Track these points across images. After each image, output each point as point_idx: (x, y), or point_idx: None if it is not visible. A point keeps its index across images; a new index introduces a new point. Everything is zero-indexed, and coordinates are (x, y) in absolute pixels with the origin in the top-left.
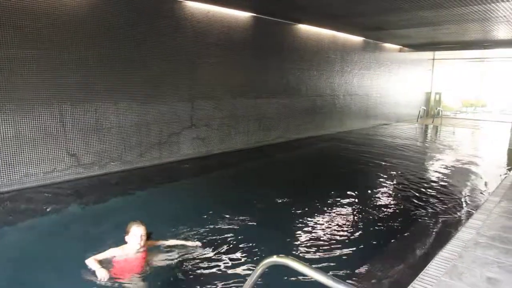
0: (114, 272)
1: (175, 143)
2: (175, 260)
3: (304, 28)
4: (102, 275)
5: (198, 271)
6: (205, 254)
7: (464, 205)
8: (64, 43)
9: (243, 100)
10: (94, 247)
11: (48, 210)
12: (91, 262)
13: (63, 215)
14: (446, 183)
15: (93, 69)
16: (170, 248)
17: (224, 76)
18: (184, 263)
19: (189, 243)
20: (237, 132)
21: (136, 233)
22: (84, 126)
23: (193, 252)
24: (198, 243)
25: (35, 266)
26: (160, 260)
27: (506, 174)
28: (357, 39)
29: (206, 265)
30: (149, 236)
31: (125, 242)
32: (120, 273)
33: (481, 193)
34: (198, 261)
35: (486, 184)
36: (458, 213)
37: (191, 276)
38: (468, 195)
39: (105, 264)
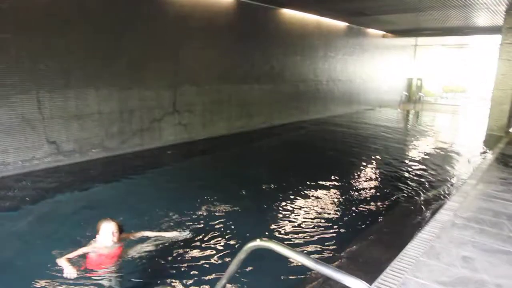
0: (89, 268)
1: (157, 129)
2: (153, 251)
3: (289, 13)
4: (69, 273)
5: (179, 260)
6: (185, 242)
7: (442, 187)
8: (42, 28)
9: (226, 85)
10: (71, 238)
11: (25, 199)
12: (62, 261)
13: (41, 204)
14: (426, 167)
15: (72, 55)
16: (147, 240)
17: (207, 62)
18: (163, 253)
19: (166, 234)
20: (220, 118)
21: (107, 231)
22: (64, 113)
23: (172, 242)
24: (176, 233)
25: (6, 257)
26: (136, 253)
27: (483, 158)
28: (341, 24)
29: (187, 253)
30: (121, 229)
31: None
32: (95, 269)
33: (459, 176)
34: (178, 249)
35: (464, 167)
36: (437, 196)
37: (171, 266)
38: (446, 178)
39: (78, 261)
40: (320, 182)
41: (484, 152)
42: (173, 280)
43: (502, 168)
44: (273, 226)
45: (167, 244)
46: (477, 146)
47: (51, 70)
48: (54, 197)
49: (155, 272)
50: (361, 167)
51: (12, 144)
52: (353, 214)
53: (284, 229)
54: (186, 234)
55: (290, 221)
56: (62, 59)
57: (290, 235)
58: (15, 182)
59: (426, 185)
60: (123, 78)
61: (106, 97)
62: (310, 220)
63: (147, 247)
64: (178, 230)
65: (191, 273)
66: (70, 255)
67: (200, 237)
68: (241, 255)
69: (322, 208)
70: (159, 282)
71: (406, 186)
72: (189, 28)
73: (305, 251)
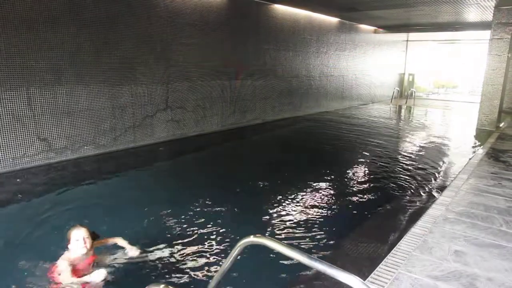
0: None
1: (149, 126)
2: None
3: (280, 9)
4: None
5: (171, 258)
6: (176, 240)
7: (435, 182)
8: (32, 25)
9: (219, 81)
10: (60, 239)
11: (16, 197)
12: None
13: (32, 202)
14: (418, 162)
15: (62, 51)
16: (122, 246)
17: (199, 57)
18: (150, 253)
19: (134, 250)
20: (212, 114)
21: (77, 237)
22: (55, 110)
23: (158, 242)
24: (145, 255)
25: None
26: (113, 258)
27: (474, 152)
28: (332, 20)
29: (180, 251)
30: (95, 236)
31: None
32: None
33: (451, 171)
34: (170, 247)
35: (455, 162)
36: (429, 191)
37: (163, 265)
38: (439, 173)
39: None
40: (314, 178)
41: (475, 147)
42: (167, 279)
43: (493, 162)
44: (266, 222)
45: (152, 243)
46: (468, 140)
47: (41, 66)
48: (42, 195)
49: (142, 273)
50: (355, 163)
51: (2, 141)
52: (347, 209)
53: (278, 225)
54: (162, 251)
55: (283, 217)
56: (52, 56)
57: (283, 230)
58: (8, 179)
59: (419, 180)
60: (114, 74)
61: (97, 94)
62: (304, 216)
63: (123, 252)
64: (171, 225)
65: (185, 271)
66: (69, 277)
67: (193, 236)
68: (235, 252)
69: (315, 204)
70: (152, 281)
71: (399, 181)
72: (181, 24)
73: (299, 247)
